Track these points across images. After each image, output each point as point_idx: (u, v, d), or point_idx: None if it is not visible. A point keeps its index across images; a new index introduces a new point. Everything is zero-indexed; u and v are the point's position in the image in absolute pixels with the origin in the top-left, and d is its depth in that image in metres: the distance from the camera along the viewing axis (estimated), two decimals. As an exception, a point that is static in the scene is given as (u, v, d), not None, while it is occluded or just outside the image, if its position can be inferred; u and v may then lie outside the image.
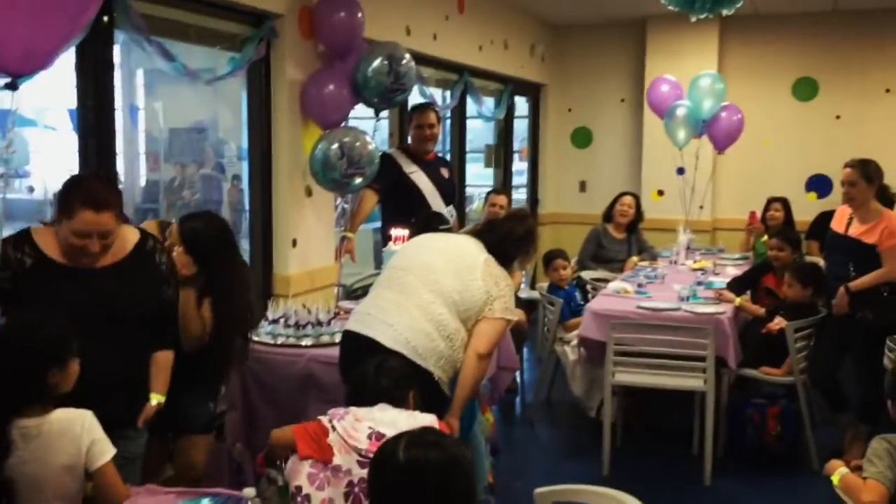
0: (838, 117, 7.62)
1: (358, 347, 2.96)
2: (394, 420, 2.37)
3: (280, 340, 3.62)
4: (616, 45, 8.24)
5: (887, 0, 6.98)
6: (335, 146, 4.03)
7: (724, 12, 4.31)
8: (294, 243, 4.32)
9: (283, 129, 4.21)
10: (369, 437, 2.34)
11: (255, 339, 3.55)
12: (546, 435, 5.19)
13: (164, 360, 2.73)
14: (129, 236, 2.65)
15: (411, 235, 3.83)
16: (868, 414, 4.39)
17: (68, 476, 2.14)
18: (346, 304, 4.34)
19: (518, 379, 5.67)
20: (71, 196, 2.44)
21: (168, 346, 2.75)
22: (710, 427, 4.22)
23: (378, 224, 5.50)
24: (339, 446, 2.33)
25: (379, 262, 5.28)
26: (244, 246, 4.51)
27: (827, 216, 6.72)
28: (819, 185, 7.70)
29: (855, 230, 4.32)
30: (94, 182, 2.57)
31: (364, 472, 2.26)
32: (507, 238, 3.19)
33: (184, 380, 2.82)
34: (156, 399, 2.68)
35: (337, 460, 2.31)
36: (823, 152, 7.57)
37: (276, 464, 2.46)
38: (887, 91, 7.47)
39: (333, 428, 2.36)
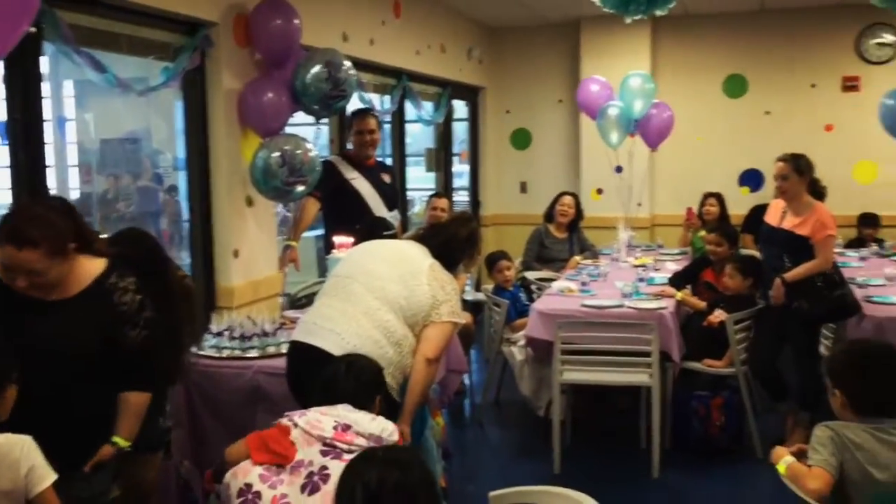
0: (768, 113, 7.83)
1: (305, 358, 2.94)
2: (357, 420, 2.37)
3: (225, 353, 3.56)
4: (552, 46, 8.33)
5: (811, -1, 7.21)
6: (276, 154, 3.98)
7: (658, 13, 4.39)
8: (236, 254, 4.26)
9: (221, 138, 4.15)
10: (335, 427, 2.34)
11: (200, 352, 3.49)
12: (496, 436, 5.21)
13: (132, 403, 2.48)
14: (92, 269, 2.44)
15: (356, 242, 3.81)
16: (808, 401, 4.52)
17: (8, 502, 2.07)
18: (291, 313, 4.30)
19: (466, 381, 5.68)
20: (1, 226, 2.28)
21: (139, 388, 2.49)
22: (657, 421, 4.29)
23: (321, 231, 5.46)
24: (303, 439, 2.32)
25: (323, 270, 5.24)
26: (184, 258, 4.43)
27: (760, 209, 6.90)
28: (751, 179, 7.90)
29: (789, 223, 4.43)
30: (23, 214, 2.37)
31: (325, 460, 2.26)
32: (452, 241, 3.21)
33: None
34: (117, 443, 2.45)
35: (299, 455, 2.30)
36: (754, 147, 7.77)
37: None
38: (813, 86, 7.70)
39: (296, 424, 2.35)
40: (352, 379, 2.56)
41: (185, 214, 4.43)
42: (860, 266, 5.83)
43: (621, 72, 6.92)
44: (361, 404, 2.49)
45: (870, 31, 7.46)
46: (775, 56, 7.74)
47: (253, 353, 3.56)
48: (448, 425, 4.84)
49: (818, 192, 5.15)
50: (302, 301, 4.84)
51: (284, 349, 3.48)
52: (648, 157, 7.36)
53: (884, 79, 7.01)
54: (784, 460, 2.31)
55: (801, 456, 2.36)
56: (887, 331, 4.15)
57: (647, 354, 4.23)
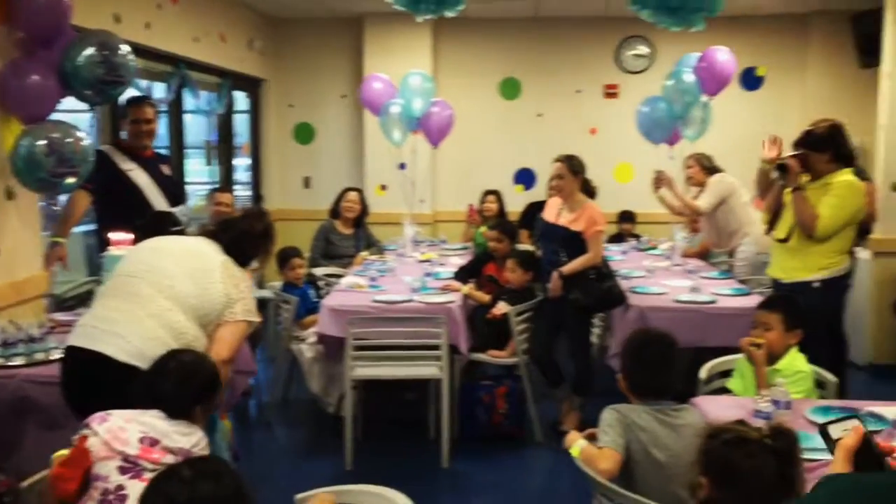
0: (539, 115, 8.28)
1: (83, 364, 2.72)
2: (167, 432, 2.21)
3: (-15, 362, 3.21)
4: (335, 41, 8.29)
5: (579, 9, 7.70)
6: (42, 142, 3.63)
7: (448, 14, 4.50)
8: (-6, 252, 3.84)
9: (-25, 123, 3.72)
10: (140, 440, 2.16)
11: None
12: (285, 436, 5.11)
13: None
14: None
15: (138, 239, 3.58)
16: (581, 386, 4.86)
17: None
18: (60, 315, 3.96)
19: (253, 381, 5.52)
20: None
21: None
22: (447, 412, 4.40)
23: (91, 227, 5.06)
24: (101, 450, 2.12)
25: (94, 269, 4.87)
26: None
27: (535, 206, 7.32)
28: (525, 177, 8.33)
29: (564, 219, 4.72)
30: None
31: (123, 479, 2.09)
32: (245, 236, 3.10)
33: None
34: None
35: (95, 469, 2.11)
36: (528, 147, 8.21)
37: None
38: (578, 92, 8.25)
39: (95, 433, 2.15)
40: (174, 379, 2.37)
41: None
42: (622, 259, 6.32)
43: (403, 70, 7.00)
44: (179, 410, 2.32)
45: (627, 42, 8.12)
46: (546, 62, 8.20)
47: (18, 361, 3.24)
48: (235, 427, 4.68)
49: (589, 190, 5.52)
50: (70, 302, 4.48)
51: (55, 355, 3.21)
52: (431, 154, 7.53)
53: (640, 87, 7.64)
54: (577, 444, 2.45)
55: (592, 440, 2.51)
56: (649, 319, 4.52)
57: (437, 347, 4.33)
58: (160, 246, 3.00)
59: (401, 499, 2.13)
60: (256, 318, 3.00)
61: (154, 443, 2.17)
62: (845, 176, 4.17)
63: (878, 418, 2.66)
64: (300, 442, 5.01)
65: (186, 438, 2.26)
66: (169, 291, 2.77)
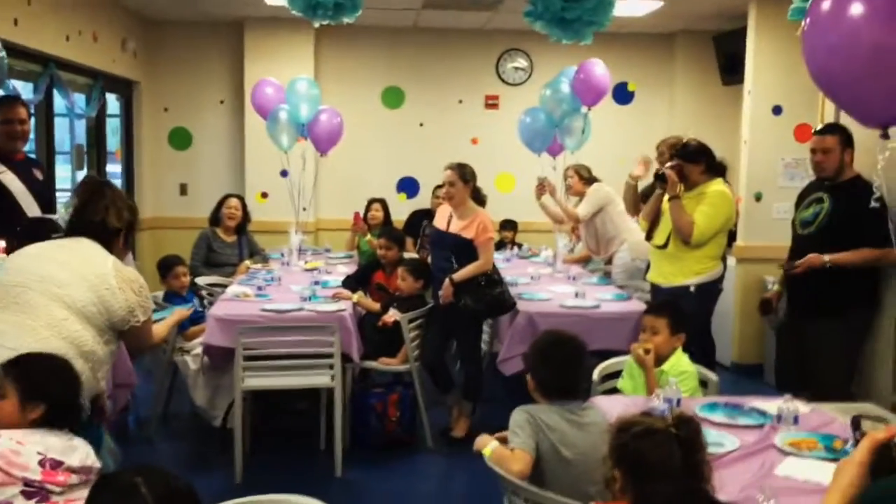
0: (422, 125, 8.36)
1: None
2: (62, 449, 2.08)
3: None
4: (214, 45, 8.08)
5: (459, 22, 7.83)
6: None
7: (346, 20, 4.49)
8: None
9: None
10: (41, 463, 2.03)
11: None
12: (168, 451, 4.92)
13: None
14: None
15: (13, 247, 3.37)
16: (471, 392, 4.93)
17: None
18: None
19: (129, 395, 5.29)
20: None
21: None
22: (339, 420, 4.36)
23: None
24: None
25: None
26: None
27: (419, 214, 7.39)
28: (408, 186, 8.38)
29: (455, 227, 4.79)
30: None
31: (31, 503, 1.96)
32: (109, 210, 2.88)
33: None
34: None
35: None
36: (411, 156, 8.27)
37: None
38: (460, 102, 8.37)
39: None
40: (57, 385, 2.23)
41: None
42: (506, 266, 6.44)
43: (286, 76, 6.92)
44: (63, 419, 2.19)
45: (507, 55, 8.32)
46: (429, 72, 8.29)
47: None
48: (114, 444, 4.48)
49: (480, 199, 5.62)
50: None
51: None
52: (315, 161, 7.46)
53: (519, 99, 7.84)
54: (489, 446, 2.48)
55: (503, 443, 2.55)
56: (538, 324, 4.64)
57: (329, 356, 4.29)
58: (45, 253, 2.82)
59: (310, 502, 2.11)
60: (152, 310, 2.91)
61: (56, 465, 2.05)
62: (718, 186, 4.44)
63: (761, 413, 2.83)
64: (184, 456, 4.83)
65: (79, 452, 2.15)
66: (65, 300, 2.63)
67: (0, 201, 4.20)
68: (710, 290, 4.59)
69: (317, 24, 4.43)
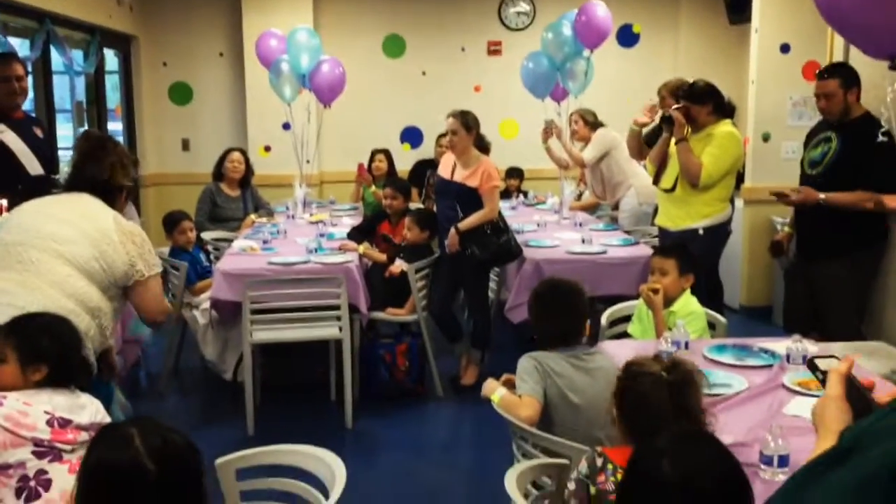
0: (424, 73, 8.24)
1: None
2: (70, 407, 2.09)
3: None
4: (211, -4, 7.95)
5: (460, -34, 7.68)
6: None
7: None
8: None
9: None
10: (49, 423, 2.03)
11: None
12: (180, 406, 4.97)
13: None
14: None
15: (11, 205, 3.36)
16: (479, 340, 4.94)
17: None
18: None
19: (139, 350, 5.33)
20: None
21: None
22: (349, 372, 4.38)
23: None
24: (5, 440, 1.97)
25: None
26: None
27: (423, 164, 7.33)
28: (412, 136, 8.30)
29: (459, 175, 4.75)
30: None
31: (42, 463, 1.98)
32: (115, 166, 2.85)
33: None
34: None
35: (3, 457, 1.97)
36: (414, 106, 8.16)
37: None
38: (463, 49, 8.25)
39: None
40: (56, 344, 2.20)
41: None
42: (512, 214, 6.43)
43: (285, 26, 6.81)
44: (68, 377, 2.19)
45: (509, 0, 8.17)
46: (430, 19, 8.15)
47: None
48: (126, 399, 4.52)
49: (484, 146, 5.56)
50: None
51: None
52: (316, 113, 7.38)
53: (522, 44, 7.71)
54: (497, 392, 2.49)
55: (509, 385, 2.56)
56: (545, 271, 4.63)
57: (337, 308, 4.30)
58: (43, 209, 2.79)
59: (334, 461, 2.12)
60: (160, 268, 2.88)
61: (65, 423, 2.06)
62: (726, 127, 4.37)
63: (771, 353, 2.83)
64: (196, 411, 4.88)
65: (87, 411, 2.16)
66: (68, 257, 2.62)
67: (3, 161, 4.17)
68: (719, 233, 4.55)
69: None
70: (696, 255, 3.74)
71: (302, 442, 3.13)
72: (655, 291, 3.28)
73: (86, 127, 6.96)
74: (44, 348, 2.16)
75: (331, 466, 2.12)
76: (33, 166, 4.28)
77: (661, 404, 1.84)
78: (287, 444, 2.27)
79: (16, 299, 2.51)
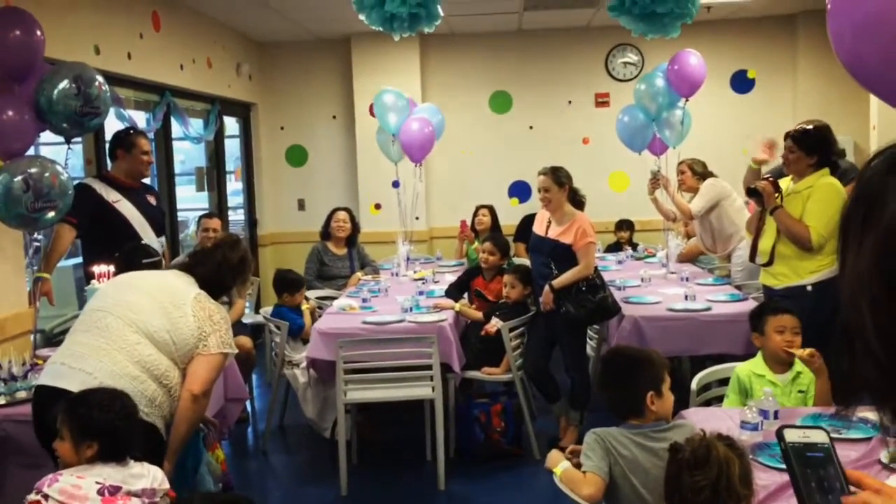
0: (531, 127, 8.25)
1: (50, 403, 2.64)
2: (123, 478, 2.16)
3: (-35, 403, 3.18)
4: (324, 62, 8.29)
5: (564, 21, 7.68)
6: (18, 178, 3.60)
7: (426, 30, 4.50)
8: (-24, 290, 3.82)
9: (-47, 161, 3.69)
10: (100, 492, 2.11)
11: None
12: (282, 462, 5.05)
13: None
14: None
15: (117, 271, 3.55)
16: (577, 400, 4.79)
17: None
18: (45, 352, 3.91)
19: (249, 408, 5.48)
20: None
21: None
22: (441, 432, 4.34)
23: (79, 260, 5.04)
24: None
25: (82, 303, 4.84)
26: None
27: (530, 219, 7.25)
28: (519, 190, 8.29)
29: (553, 232, 4.67)
30: None
31: None
32: (222, 267, 3.06)
33: None
34: None
35: None
36: (521, 160, 8.16)
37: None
38: (570, 102, 8.22)
39: (46, 497, 2.10)
40: (105, 421, 2.28)
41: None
42: (617, 269, 6.27)
43: (394, 88, 7.00)
44: (126, 449, 2.27)
45: (617, 50, 8.10)
46: (536, 74, 8.18)
47: (-1, 401, 3.20)
48: (229, 457, 4.63)
49: (578, 201, 5.47)
50: (59, 338, 4.43)
51: (37, 394, 3.16)
52: (426, 170, 7.50)
53: (630, 95, 7.59)
54: (560, 465, 2.38)
55: (576, 455, 2.44)
56: (644, 329, 4.47)
57: (429, 367, 4.28)
58: (131, 281, 2.96)
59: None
60: (233, 350, 2.94)
61: (115, 490, 2.14)
62: (825, 178, 4.12)
63: (872, 424, 2.59)
64: (296, 468, 4.95)
65: (143, 477, 2.22)
66: (138, 325, 2.73)
67: (116, 228, 4.44)
68: (831, 289, 4.25)
69: (396, 38, 4.43)
70: (803, 314, 3.49)
71: (393, 503, 3.10)
72: (812, 355, 3.02)
73: (205, 190, 7.34)
74: (93, 426, 2.25)
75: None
76: (146, 233, 4.52)
77: (683, 483, 1.72)
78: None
79: (86, 364, 2.65)
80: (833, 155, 4.20)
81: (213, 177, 7.51)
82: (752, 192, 4.21)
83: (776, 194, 4.12)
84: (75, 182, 4.12)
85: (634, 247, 7.33)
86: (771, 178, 4.18)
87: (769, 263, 4.21)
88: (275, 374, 5.19)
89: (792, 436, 1.11)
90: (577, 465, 2.38)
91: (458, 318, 4.94)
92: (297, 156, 8.46)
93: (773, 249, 4.17)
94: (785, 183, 4.24)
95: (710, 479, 1.73)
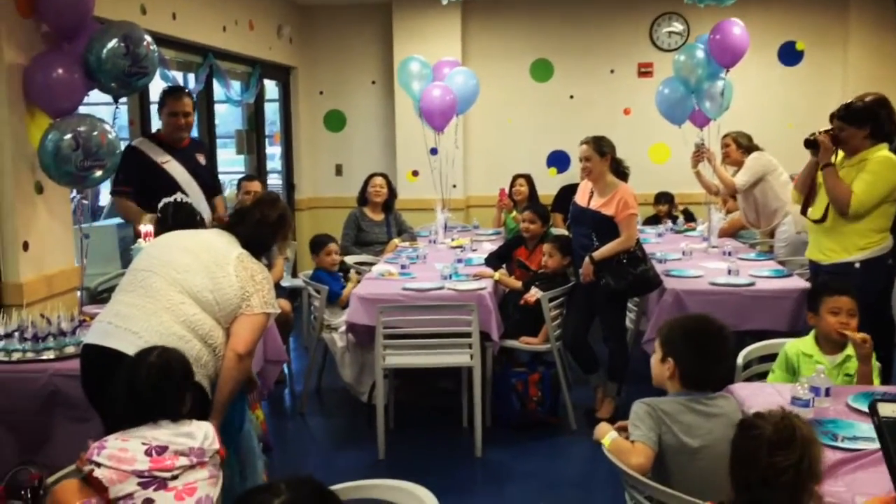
0: (572, 97, 8.15)
1: (100, 362, 2.68)
2: (171, 439, 2.19)
3: (16, 356, 3.24)
4: (364, 27, 8.24)
5: (609, -12, 7.55)
6: (68, 136, 3.64)
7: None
8: (25, 246, 3.87)
9: (4, 118, 3.73)
10: (147, 453, 2.15)
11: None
12: (319, 425, 5.10)
13: None
14: None
15: (157, 229, 3.58)
16: (615, 372, 4.77)
17: None
18: (93, 308, 3.97)
19: (286, 370, 5.54)
20: None
21: None
22: (479, 400, 4.35)
23: (121, 220, 5.10)
24: (112, 477, 2.11)
25: (127, 262, 4.90)
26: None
27: (568, 189, 7.21)
28: (558, 160, 8.22)
29: (595, 203, 4.62)
30: None
31: (148, 493, 2.10)
32: (262, 225, 3.02)
33: None
34: None
35: (114, 492, 2.10)
36: (561, 130, 8.08)
37: (22, 494, 2.19)
38: (612, 72, 8.10)
39: (98, 465, 2.13)
40: (160, 384, 2.31)
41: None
42: (658, 242, 6.21)
43: (433, 54, 6.95)
44: (173, 410, 2.30)
45: (662, 19, 7.95)
46: (578, 42, 8.06)
47: (49, 355, 3.25)
48: (268, 417, 4.69)
49: (622, 172, 5.40)
50: (104, 295, 4.50)
51: (85, 349, 3.21)
52: (464, 138, 7.45)
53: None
54: (609, 436, 2.37)
55: (622, 431, 2.43)
56: (685, 302, 4.42)
57: (468, 335, 4.28)
58: (174, 240, 2.96)
59: (427, 496, 2.08)
60: (275, 310, 2.94)
61: (162, 450, 2.16)
62: (881, 151, 4.01)
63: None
64: (334, 431, 5.00)
65: (191, 436, 2.24)
66: (182, 285, 2.73)
67: (167, 188, 4.45)
68: (879, 267, 4.16)
69: (444, 2, 4.37)
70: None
71: (430, 468, 3.11)
72: (864, 341, 2.96)
73: (244, 153, 7.36)
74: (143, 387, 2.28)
75: (423, 501, 2.08)
76: (194, 193, 4.52)
77: (760, 462, 1.70)
78: (389, 481, 2.24)
79: (132, 325, 2.66)
80: (891, 125, 4.07)
81: (252, 140, 7.53)
82: (810, 144, 4.12)
83: (833, 150, 4.03)
84: (123, 143, 4.15)
85: (675, 219, 7.24)
86: (832, 132, 4.06)
87: (822, 220, 4.11)
88: (312, 337, 5.23)
89: (886, 410, 1.10)
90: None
91: (497, 286, 4.93)
92: (335, 121, 8.44)
93: (828, 207, 4.08)
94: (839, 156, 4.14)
95: (792, 459, 1.70)
